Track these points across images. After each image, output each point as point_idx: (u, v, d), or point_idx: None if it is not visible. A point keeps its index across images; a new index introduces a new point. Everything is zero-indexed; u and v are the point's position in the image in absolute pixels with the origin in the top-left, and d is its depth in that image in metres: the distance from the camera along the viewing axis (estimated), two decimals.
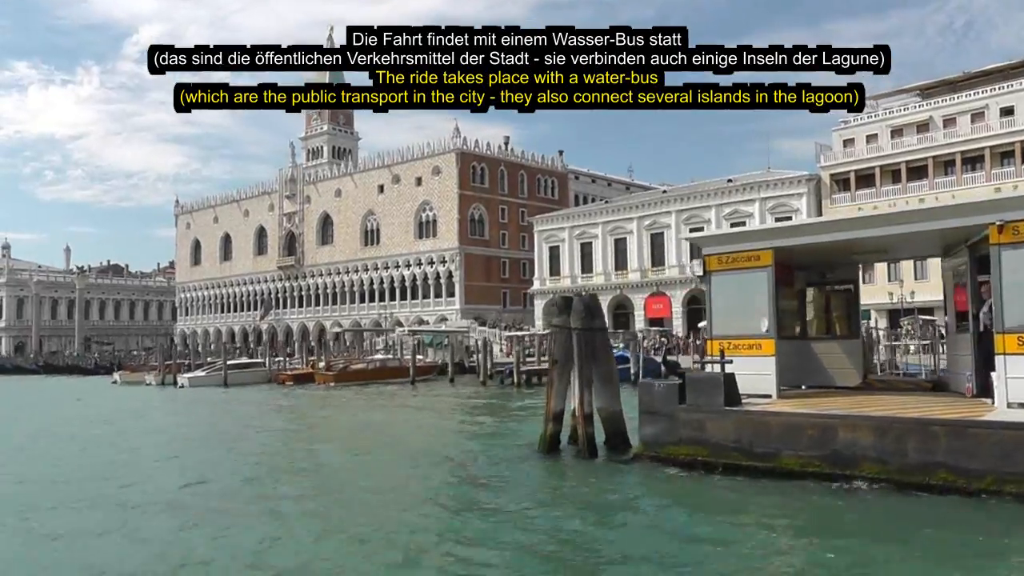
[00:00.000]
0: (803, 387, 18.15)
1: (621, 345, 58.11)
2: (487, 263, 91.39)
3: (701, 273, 16.78)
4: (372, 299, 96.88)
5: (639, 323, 75.32)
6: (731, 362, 15.01)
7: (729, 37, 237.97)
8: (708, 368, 15.79)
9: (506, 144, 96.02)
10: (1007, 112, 62.31)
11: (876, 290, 61.95)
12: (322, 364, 54.88)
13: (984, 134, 62.48)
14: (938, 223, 15.23)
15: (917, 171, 65.30)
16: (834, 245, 16.40)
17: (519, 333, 70.76)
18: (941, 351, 25.68)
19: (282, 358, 62.77)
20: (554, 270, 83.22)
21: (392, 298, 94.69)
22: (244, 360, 60.77)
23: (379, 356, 57.86)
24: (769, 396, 15.72)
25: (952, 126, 64.70)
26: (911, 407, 14.44)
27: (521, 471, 17.30)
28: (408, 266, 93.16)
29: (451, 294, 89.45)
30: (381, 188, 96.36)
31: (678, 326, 73.09)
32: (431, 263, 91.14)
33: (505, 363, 50.72)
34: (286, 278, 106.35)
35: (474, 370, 54.11)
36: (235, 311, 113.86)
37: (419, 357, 54.94)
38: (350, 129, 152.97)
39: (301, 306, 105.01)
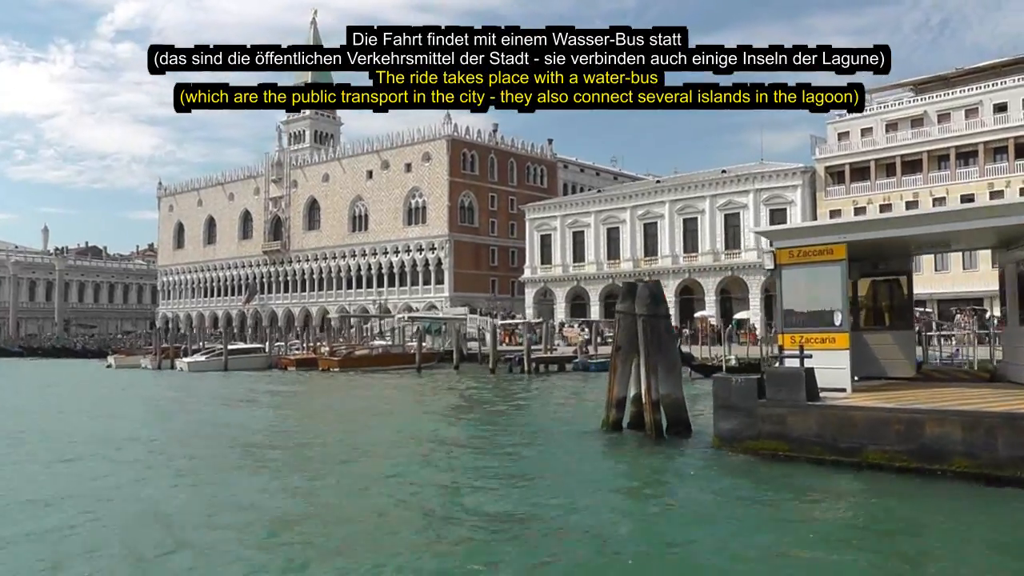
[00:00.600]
0: (855, 378, 18.26)
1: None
2: (476, 250, 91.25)
3: (771, 266, 16.78)
4: (360, 285, 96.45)
5: None
6: (811, 356, 15.04)
7: (708, 30, 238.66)
8: (786, 362, 15.77)
9: (494, 132, 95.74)
10: (1000, 108, 62.91)
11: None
12: (325, 349, 54.60)
13: (978, 130, 63.08)
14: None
15: (911, 165, 65.87)
16: (905, 239, 16.48)
17: (512, 321, 70.98)
18: (996, 342, 25.76)
19: (283, 343, 62.06)
20: (545, 259, 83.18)
21: (380, 284, 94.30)
22: (244, 345, 60.13)
23: (380, 342, 57.49)
24: (843, 390, 15.79)
25: (946, 121, 65.23)
26: (995, 400, 14.55)
27: (593, 457, 17.42)
28: (397, 252, 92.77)
29: (440, 281, 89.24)
30: (370, 174, 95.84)
31: (673, 316, 73.21)
32: (420, 250, 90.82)
33: (512, 351, 50.61)
34: (271, 263, 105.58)
35: (474, 358, 54.01)
36: (219, 295, 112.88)
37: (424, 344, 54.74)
38: (332, 114, 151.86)
39: (286, 291, 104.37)
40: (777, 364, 16.23)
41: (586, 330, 63.15)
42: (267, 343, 61.64)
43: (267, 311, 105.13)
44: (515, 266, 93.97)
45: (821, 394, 15.33)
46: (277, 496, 14.02)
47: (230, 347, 55.48)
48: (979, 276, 57.48)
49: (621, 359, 19.01)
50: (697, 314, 67.95)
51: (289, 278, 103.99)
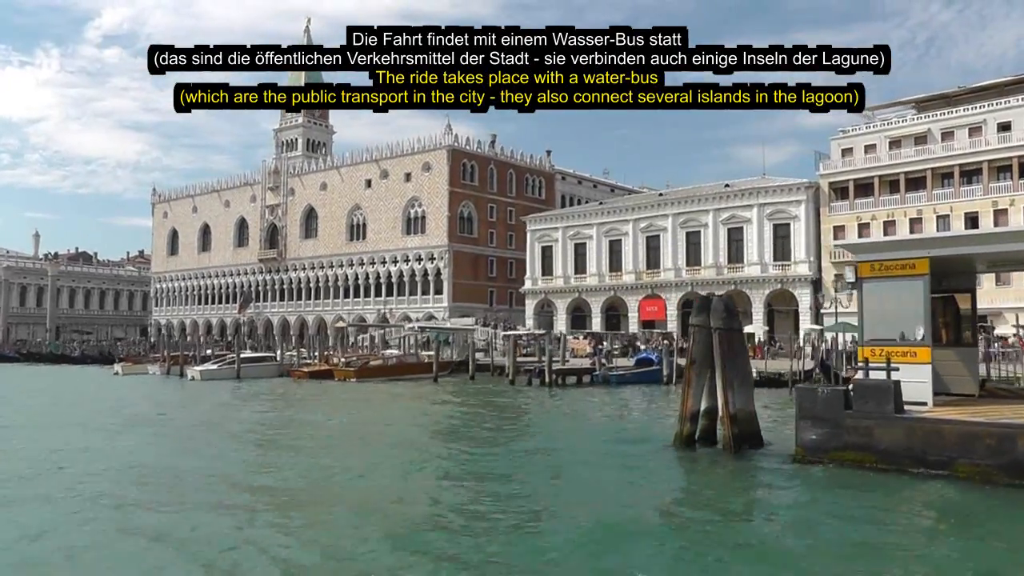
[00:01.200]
0: None
1: (643, 347, 58.57)
2: (475, 261, 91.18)
3: (853, 279, 16.87)
4: (357, 295, 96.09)
5: (632, 325, 75.67)
6: (898, 369, 15.12)
7: (695, 43, 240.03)
8: (871, 375, 15.82)
9: (493, 143, 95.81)
10: (1004, 128, 63.46)
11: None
12: (337, 360, 54.32)
13: (981, 148, 63.60)
14: None
15: (915, 182, 66.27)
16: (987, 255, 16.60)
17: (517, 332, 70.88)
18: None
19: (295, 352, 61.44)
20: (546, 270, 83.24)
21: (378, 294, 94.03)
22: (256, 354, 59.65)
23: (394, 352, 57.20)
24: (924, 404, 15.87)
25: (950, 139, 65.77)
26: None
27: (679, 473, 17.48)
28: (395, 262, 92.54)
29: (439, 291, 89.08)
30: (368, 183, 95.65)
31: (673, 328, 73.36)
32: (419, 260, 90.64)
33: (524, 362, 50.46)
34: (267, 271, 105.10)
35: (484, 368, 53.86)
36: (213, 303, 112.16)
37: (430, 354, 54.55)
38: (325, 122, 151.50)
39: (282, 299, 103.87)
40: (861, 376, 16.22)
41: (591, 342, 63.25)
42: (279, 351, 60.89)
43: (262, 319, 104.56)
44: (513, 277, 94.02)
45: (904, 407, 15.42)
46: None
47: (242, 356, 55.00)
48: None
49: (696, 372, 19.02)
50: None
51: (285, 286, 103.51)
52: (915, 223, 65.45)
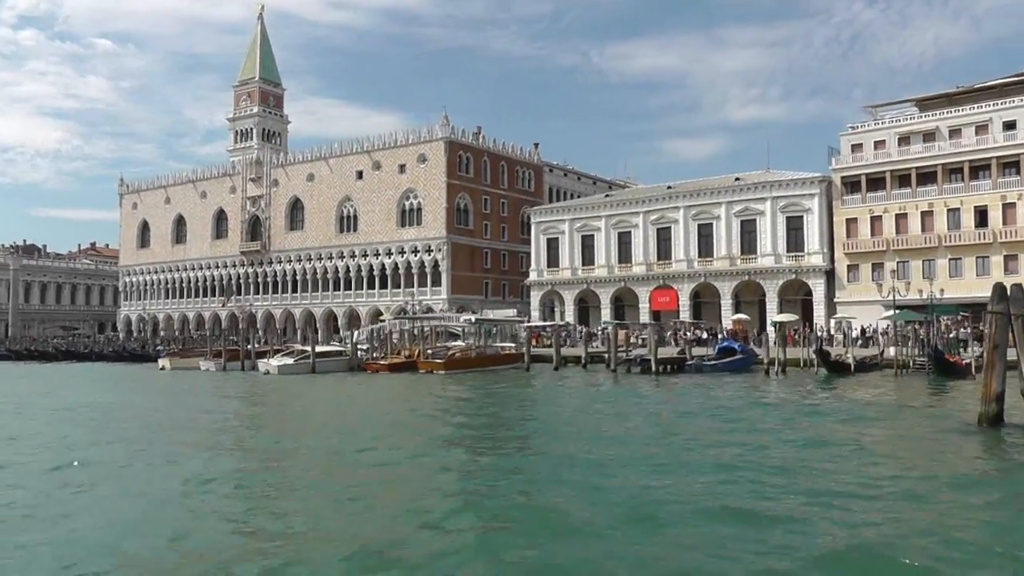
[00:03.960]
0: None
1: (721, 336, 59.66)
2: (471, 253, 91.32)
3: None
4: (348, 287, 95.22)
5: (643, 316, 76.88)
6: None
7: (622, 38, 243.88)
8: None
9: (477, 134, 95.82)
10: (1009, 126, 66.53)
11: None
12: (406, 352, 54.07)
13: (990, 145, 66.57)
14: None
15: (926, 177, 68.93)
16: None
17: (538, 324, 71.56)
18: None
19: (368, 345, 60.12)
20: (552, 261, 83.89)
21: (371, 286, 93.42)
22: (327, 348, 58.49)
23: (459, 344, 56.98)
24: None
25: (957, 136, 68.59)
26: None
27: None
28: (390, 254, 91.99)
29: (436, 283, 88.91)
30: (360, 174, 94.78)
31: (685, 319, 74.86)
32: (415, 251, 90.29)
33: (639, 352, 50.80)
34: (249, 263, 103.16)
35: (541, 359, 54.54)
36: (190, 296, 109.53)
37: (503, 346, 54.84)
38: (280, 112, 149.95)
39: (266, 292, 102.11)
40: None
41: (632, 331, 64.30)
42: (351, 345, 59.12)
43: (245, 313, 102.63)
44: (506, 269, 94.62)
45: None
46: None
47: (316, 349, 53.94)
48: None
49: (998, 356, 20.05)
50: (734, 316, 69.86)
51: (269, 279, 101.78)
52: (926, 216, 68.23)
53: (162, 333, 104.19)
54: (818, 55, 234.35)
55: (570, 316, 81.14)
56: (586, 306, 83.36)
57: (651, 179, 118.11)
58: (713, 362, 47.94)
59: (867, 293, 68.21)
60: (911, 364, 44.64)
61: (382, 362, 53.20)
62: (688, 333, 66.32)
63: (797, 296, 73.05)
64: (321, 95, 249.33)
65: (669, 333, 67.94)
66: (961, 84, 74.46)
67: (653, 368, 44.87)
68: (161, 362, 61.72)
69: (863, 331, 62.53)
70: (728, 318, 72.77)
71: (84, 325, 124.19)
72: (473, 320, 58.35)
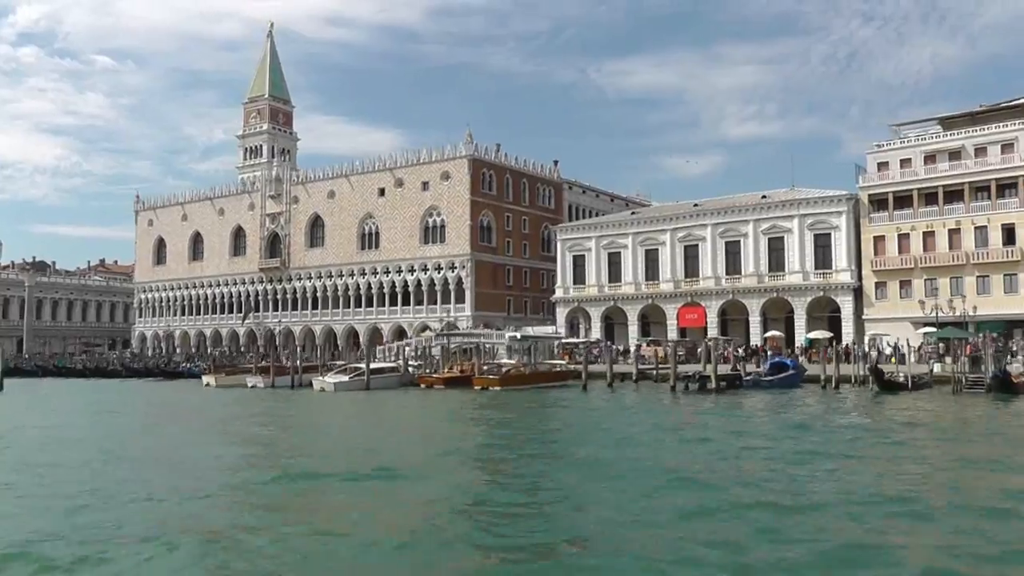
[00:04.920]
0: None
1: (769, 352, 60.28)
2: (494, 270, 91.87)
3: None
4: (369, 304, 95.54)
5: (671, 333, 77.58)
6: None
7: (620, 55, 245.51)
8: None
9: (497, 150, 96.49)
10: None
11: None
12: (458, 368, 54.66)
13: (1015, 163, 67.68)
14: None
15: (952, 195, 69.93)
16: None
17: (571, 340, 72.11)
18: None
19: (419, 362, 60.63)
20: (578, 278, 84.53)
21: (393, 303, 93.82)
22: (381, 364, 58.77)
23: (505, 361, 57.48)
24: None
25: (983, 155, 69.81)
26: None
27: None
28: (412, 271, 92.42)
29: (460, 300, 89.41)
30: (382, 191, 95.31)
31: (713, 334, 75.53)
32: (439, 269, 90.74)
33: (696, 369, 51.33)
34: (268, 280, 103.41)
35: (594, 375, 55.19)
36: (207, 313, 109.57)
37: (552, 363, 55.38)
38: (289, 129, 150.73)
39: (285, 309, 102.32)
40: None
41: (665, 347, 64.89)
42: (402, 362, 59.63)
43: (263, 329, 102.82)
44: (527, 285, 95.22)
45: None
46: None
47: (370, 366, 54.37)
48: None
49: None
50: (768, 333, 70.56)
51: (288, 296, 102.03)
52: (954, 234, 69.27)
53: (193, 350, 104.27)
54: (815, 72, 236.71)
55: (597, 333, 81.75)
56: (611, 323, 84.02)
57: (658, 196, 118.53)
58: (770, 378, 48.64)
59: (895, 310, 69.39)
60: (963, 381, 45.30)
61: (435, 376, 53.80)
62: (723, 350, 67.17)
63: (824, 313, 73.90)
64: (320, 112, 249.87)
65: (700, 350, 68.63)
66: (983, 103, 75.82)
67: (714, 385, 45.55)
68: (206, 379, 61.91)
69: (895, 348, 63.36)
70: (756, 335, 73.67)
71: (96, 342, 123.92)
72: (519, 336, 58.88)
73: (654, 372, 55.02)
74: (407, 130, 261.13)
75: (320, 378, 53.70)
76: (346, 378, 53.22)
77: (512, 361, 56.50)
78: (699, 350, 68.20)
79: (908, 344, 60.91)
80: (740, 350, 68.82)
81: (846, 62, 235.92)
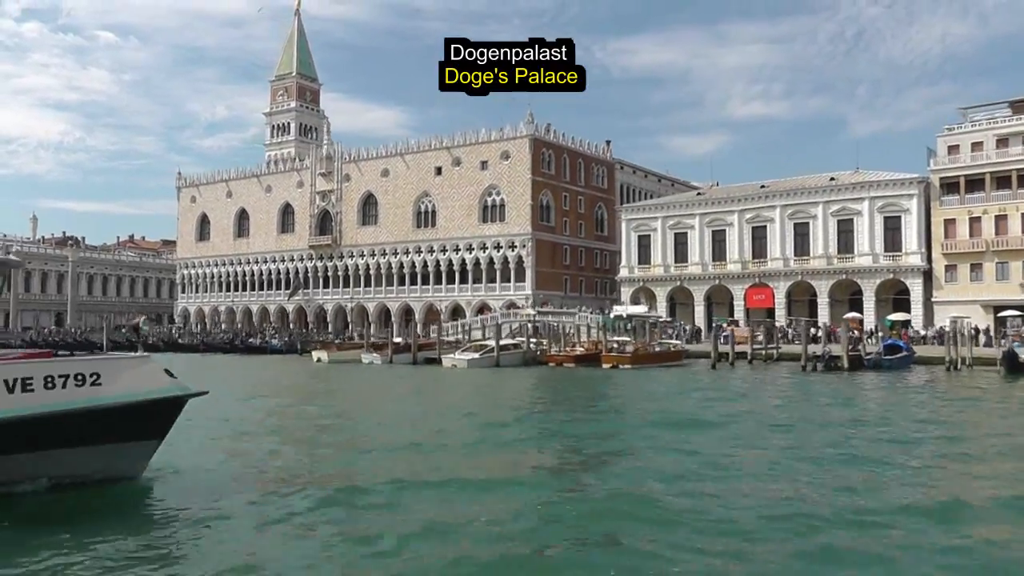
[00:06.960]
0: None
1: (882, 334, 61.52)
2: (553, 249, 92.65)
3: None
4: (426, 282, 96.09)
5: (738, 313, 78.94)
6: None
7: (625, 33, 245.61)
8: None
9: (547, 130, 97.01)
10: None
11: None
12: (580, 348, 55.91)
13: None
14: None
15: None
16: None
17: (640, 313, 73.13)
18: None
19: (549, 339, 61.42)
20: (643, 259, 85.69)
21: (450, 281, 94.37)
22: (508, 341, 59.63)
23: (620, 339, 58.43)
24: None
25: None
26: None
27: None
28: (471, 250, 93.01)
29: (520, 279, 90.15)
30: (439, 170, 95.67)
31: (780, 316, 77.01)
32: (498, 247, 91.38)
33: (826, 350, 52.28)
34: (318, 257, 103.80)
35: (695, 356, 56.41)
36: (253, 290, 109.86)
37: (668, 343, 56.64)
38: (316, 107, 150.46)
39: (335, 286, 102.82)
40: None
41: (756, 328, 66.13)
42: (526, 339, 60.27)
43: (312, 306, 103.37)
44: (583, 265, 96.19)
45: None
46: None
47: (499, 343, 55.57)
48: None
49: None
50: (848, 315, 71.81)
51: (340, 273, 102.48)
52: None
53: (238, 326, 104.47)
54: (822, 52, 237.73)
55: (663, 312, 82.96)
56: (674, 303, 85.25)
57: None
58: (890, 358, 50.02)
59: (965, 293, 70.96)
60: None
61: (563, 353, 55.21)
62: (791, 330, 68.53)
63: (889, 295, 75.34)
64: (323, 89, 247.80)
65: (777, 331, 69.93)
66: (996, 84, 77.26)
67: (846, 364, 47.10)
68: (316, 355, 62.64)
69: (980, 331, 64.91)
70: (824, 316, 75.04)
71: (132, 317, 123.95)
72: (625, 315, 60.07)
73: (763, 352, 56.17)
74: (410, 107, 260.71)
75: (452, 356, 54.78)
76: (477, 355, 54.26)
77: (632, 340, 57.49)
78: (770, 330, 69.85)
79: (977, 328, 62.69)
80: (814, 329, 70.20)
81: (854, 41, 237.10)
